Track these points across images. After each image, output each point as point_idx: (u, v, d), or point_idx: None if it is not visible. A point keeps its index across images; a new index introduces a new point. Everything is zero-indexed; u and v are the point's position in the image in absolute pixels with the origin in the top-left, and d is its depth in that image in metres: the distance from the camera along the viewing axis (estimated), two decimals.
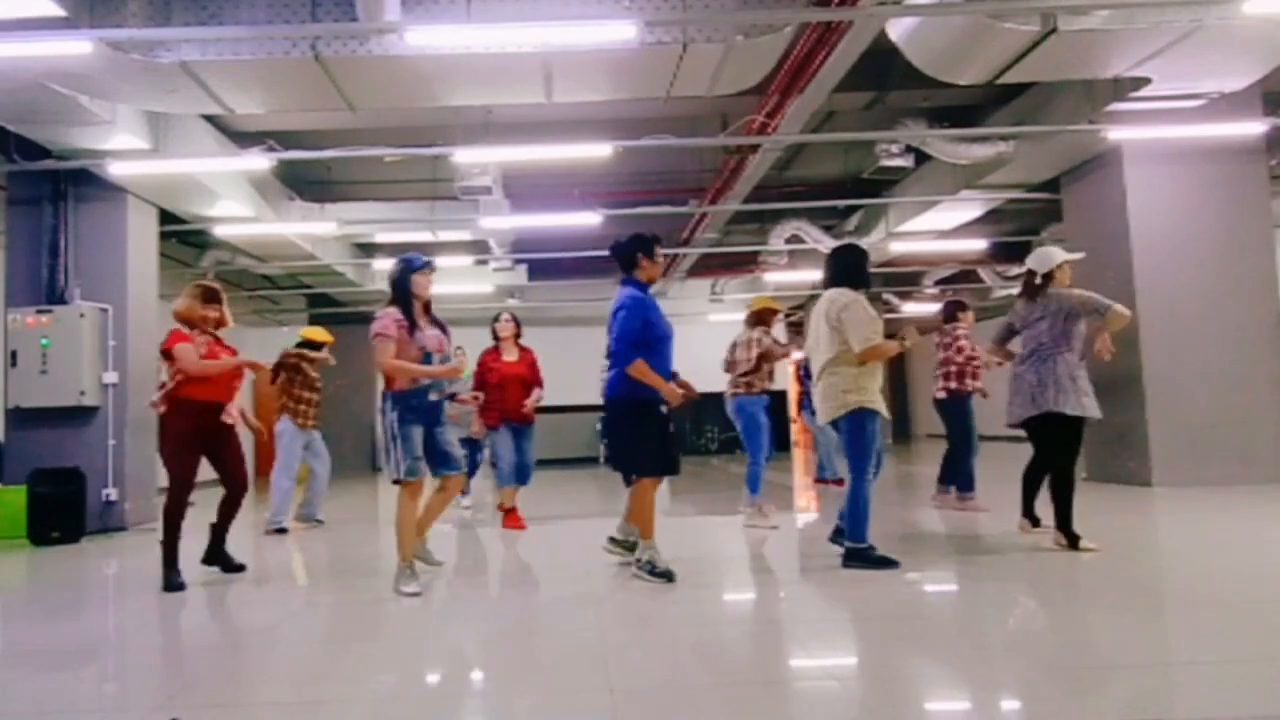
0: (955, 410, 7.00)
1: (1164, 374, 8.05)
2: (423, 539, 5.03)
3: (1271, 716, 2.41)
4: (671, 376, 4.63)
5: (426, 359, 4.52)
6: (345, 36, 5.68)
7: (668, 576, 4.49)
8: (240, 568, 5.26)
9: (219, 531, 5.27)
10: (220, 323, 5.17)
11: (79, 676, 3.25)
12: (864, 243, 12.53)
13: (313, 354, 7.41)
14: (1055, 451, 5.11)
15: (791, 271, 13.84)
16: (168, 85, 5.94)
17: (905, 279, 16.20)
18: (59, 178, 7.74)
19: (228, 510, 5.23)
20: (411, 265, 4.61)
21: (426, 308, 4.71)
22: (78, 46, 5.19)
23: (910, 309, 17.44)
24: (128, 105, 6.63)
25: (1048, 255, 5.28)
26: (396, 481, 4.47)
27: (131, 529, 7.77)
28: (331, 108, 6.51)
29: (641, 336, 4.49)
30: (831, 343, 4.73)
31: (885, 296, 17.57)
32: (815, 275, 14.11)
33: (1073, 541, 4.96)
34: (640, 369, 4.45)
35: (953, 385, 6.96)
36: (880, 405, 4.69)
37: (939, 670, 2.96)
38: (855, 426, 4.67)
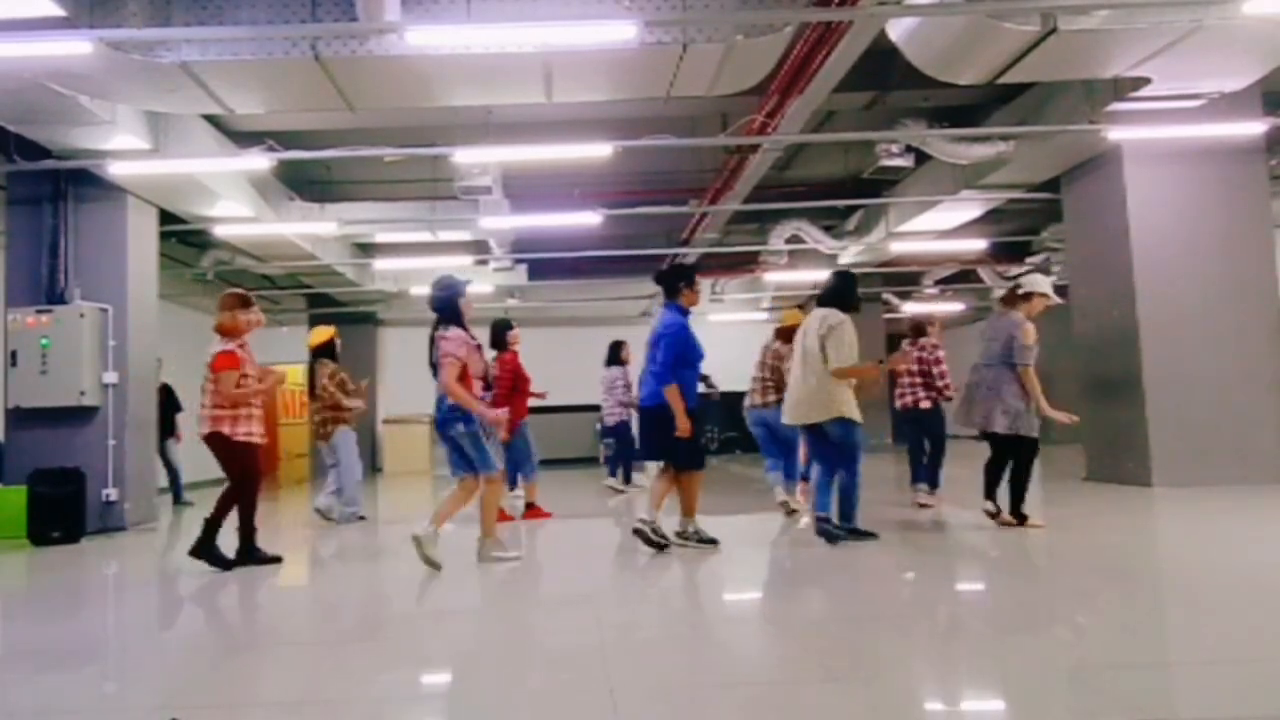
0: (936, 418, 7.22)
1: (1164, 374, 8.04)
2: (434, 535, 5.06)
3: (1272, 717, 2.41)
4: (702, 378, 5.48)
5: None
6: (345, 36, 5.67)
7: (713, 542, 5.34)
8: (277, 559, 5.52)
9: (248, 529, 5.48)
10: (258, 324, 5.54)
11: (79, 676, 3.25)
12: (864, 242, 12.59)
13: (335, 366, 7.74)
14: (1006, 453, 5.84)
15: (791, 271, 13.84)
16: (168, 85, 5.94)
17: (905, 279, 16.20)
18: (59, 178, 7.74)
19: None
20: (459, 289, 5.18)
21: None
22: (78, 46, 5.19)
23: (910, 309, 17.43)
24: (128, 105, 6.63)
25: (1036, 280, 5.95)
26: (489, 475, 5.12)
27: (131, 529, 7.77)
28: (331, 108, 6.50)
29: (682, 360, 5.15)
30: (819, 356, 5.33)
31: (885, 296, 17.58)
32: (815, 275, 14.13)
33: (1020, 520, 5.72)
34: (673, 394, 5.09)
35: (935, 396, 7.17)
36: (858, 414, 5.35)
37: (939, 669, 2.96)
38: (846, 431, 5.32)
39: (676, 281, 5.36)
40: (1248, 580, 4.11)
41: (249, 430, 5.32)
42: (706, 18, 5.61)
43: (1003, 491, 5.86)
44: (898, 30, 6.10)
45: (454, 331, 5.04)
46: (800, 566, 5.00)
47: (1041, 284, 5.89)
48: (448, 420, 5.05)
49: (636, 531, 5.31)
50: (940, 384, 7.15)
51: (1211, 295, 8.16)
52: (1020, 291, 5.90)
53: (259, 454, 5.48)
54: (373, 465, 16.06)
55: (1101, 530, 5.83)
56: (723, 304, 16.01)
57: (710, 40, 5.73)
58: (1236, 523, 5.93)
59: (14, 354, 7.49)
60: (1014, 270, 14.35)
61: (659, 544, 5.25)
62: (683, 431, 5.12)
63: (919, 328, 7.45)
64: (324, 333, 7.89)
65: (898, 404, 7.39)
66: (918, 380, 7.24)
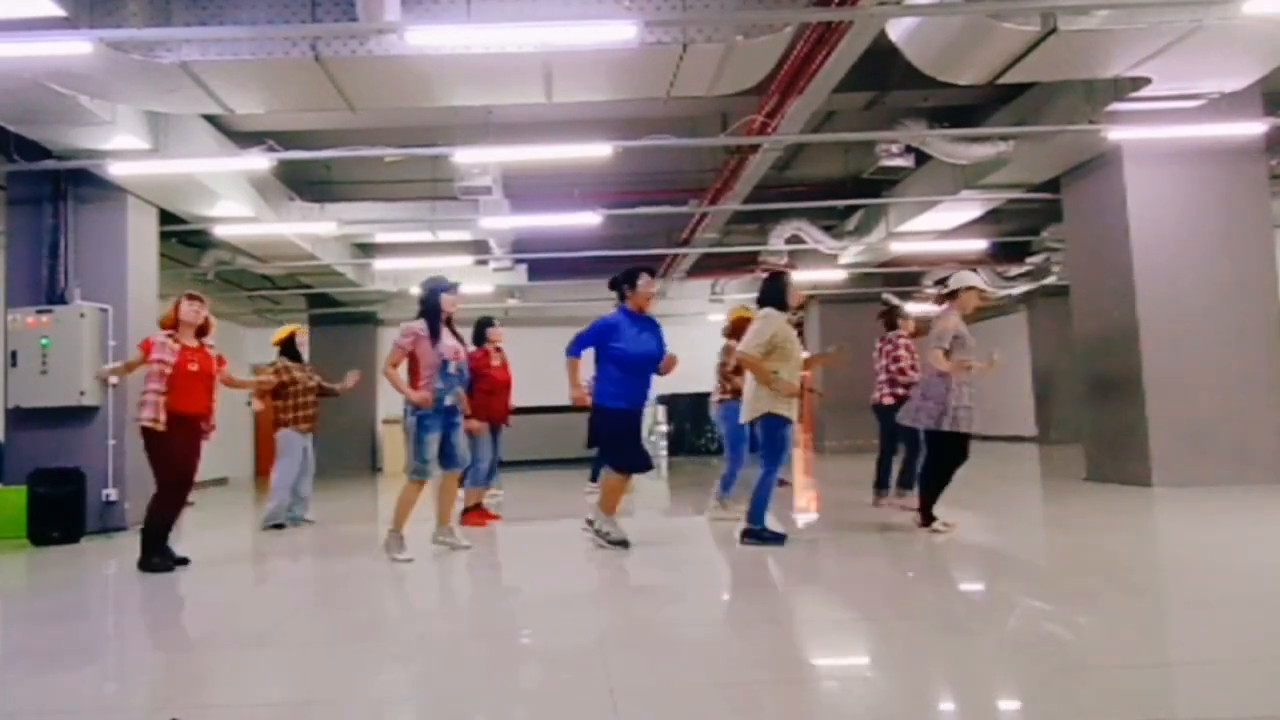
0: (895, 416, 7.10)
1: (1164, 374, 8.04)
2: (448, 526, 5.76)
3: (1271, 717, 2.41)
4: (663, 364, 5.52)
5: (444, 365, 5.34)
6: (345, 36, 5.67)
7: (623, 544, 5.41)
8: (184, 560, 5.45)
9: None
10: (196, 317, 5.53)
11: (79, 676, 3.25)
12: (864, 242, 12.58)
13: (294, 364, 7.44)
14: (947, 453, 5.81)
15: (791, 271, 13.82)
16: (168, 85, 5.94)
17: (905, 279, 16.19)
18: (59, 178, 7.73)
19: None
20: (440, 287, 5.50)
21: (448, 322, 5.54)
22: (78, 46, 5.19)
23: (910, 309, 17.43)
24: (128, 105, 6.63)
25: (964, 276, 5.94)
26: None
27: (131, 529, 7.76)
28: (331, 108, 6.50)
29: (592, 343, 5.42)
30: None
31: (885, 296, 17.56)
32: (815, 276, 14.13)
33: (928, 521, 5.71)
34: (569, 364, 5.42)
35: (899, 391, 6.97)
36: (789, 411, 5.38)
37: (939, 669, 2.96)
38: (768, 427, 5.40)
39: (621, 285, 5.60)
40: (1248, 580, 4.11)
41: (147, 415, 5.23)
42: (706, 18, 5.61)
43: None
44: (898, 30, 6.10)
45: (413, 323, 5.43)
46: (800, 567, 5.00)
47: (969, 278, 5.90)
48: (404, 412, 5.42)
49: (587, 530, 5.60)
50: (899, 379, 7.04)
51: (1211, 295, 8.15)
52: (946, 290, 5.92)
53: (160, 440, 5.25)
54: (372, 465, 16.06)
55: (1101, 530, 5.83)
56: (722, 304, 16.00)
57: (710, 40, 5.73)
58: (1236, 523, 5.93)
59: (14, 354, 7.49)
60: (1014, 270, 14.35)
61: (620, 542, 5.43)
62: (574, 399, 5.44)
63: (890, 320, 7.39)
64: (284, 330, 7.64)
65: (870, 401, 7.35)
66: (882, 377, 7.20)
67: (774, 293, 5.66)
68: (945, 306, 5.87)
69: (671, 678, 2.94)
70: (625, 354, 5.38)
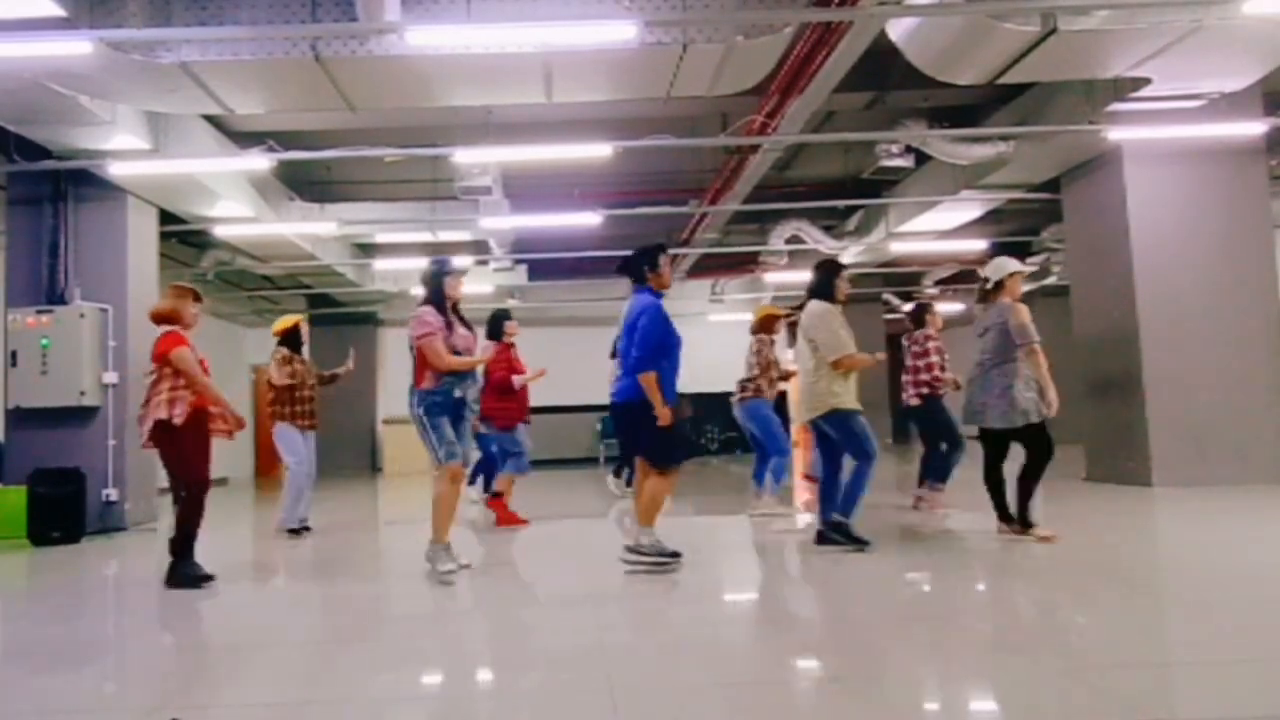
0: (928, 415, 6.92)
1: (1164, 374, 8.04)
2: (445, 542, 4.91)
3: (1271, 717, 2.41)
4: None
5: (459, 357, 4.83)
6: (345, 36, 5.68)
7: (675, 556, 4.76)
8: (209, 577, 4.94)
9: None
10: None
11: (79, 676, 3.25)
12: (864, 243, 12.57)
13: (293, 354, 6.96)
14: (1000, 456, 5.54)
15: (791, 271, 13.84)
16: (168, 85, 5.94)
17: (905, 279, 16.20)
18: (59, 178, 7.74)
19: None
20: (444, 268, 4.97)
21: (454, 307, 5.03)
22: (78, 46, 5.19)
23: (910, 309, 17.45)
24: (128, 105, 6.63)
25: (999, 264, 5.57)
26: (439, 466, 4.77)
27: (131, 529, 7.77)
28: (331, 108, 6.50)
29: (663, 343, 4.71)
30: (809, 351, 5.21)
31: (885, 296, 17.57)
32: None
33: (1026, 527, 5.32)
34: (649, 380, 4.65)
35: (925, 391, 6.85)
36: (854, 404, 5.13)
37: (938, 670, 2.96)
38: (843, 424, 5.10)
39: (640, 265, 4.94)
40: (1248, 580, 4.11)
41: (179, 412, 4.83)
42: (706, 18, 5.61)
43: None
44: (898, 30, 6.10)
45: (422, 310, 4.89)
46: (800, 567, 5.00)
47: (1010, 264, 5.56)
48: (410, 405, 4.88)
49: (631, 557, 4.81)
50: (925, 377, 6.84)
51: (1211, 295, 8.15)
52: (989, 286, 5.57)
53: (185, 438, 4.85)
54: (372, 465, 16.06)
55: (1101, 530, 5.83)
56: (723, 304, 16.02)
57: (710, 40, 5.73)
58: (1236, 523, 5.93)
59: (14, 354, 7.49)
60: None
61: (672, 554, 4.80)
62: (662, 416, 4.64)
63: (919, 318, 7.17)
64: (288, 320, 7.14)
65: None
66: (908, 377, 7.01)
67: (826, 283, 5.35)
68: (999, 301, 5.47)
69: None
70: (676, 340, 4.82)
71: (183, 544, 4.90)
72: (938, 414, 6.88)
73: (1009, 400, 5.25)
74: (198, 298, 5.23)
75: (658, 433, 4.69)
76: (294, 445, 6.87)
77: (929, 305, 7.27)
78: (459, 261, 5.18)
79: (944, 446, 6.90)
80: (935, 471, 6.92)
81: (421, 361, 4.83)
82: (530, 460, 7.27)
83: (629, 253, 5.03)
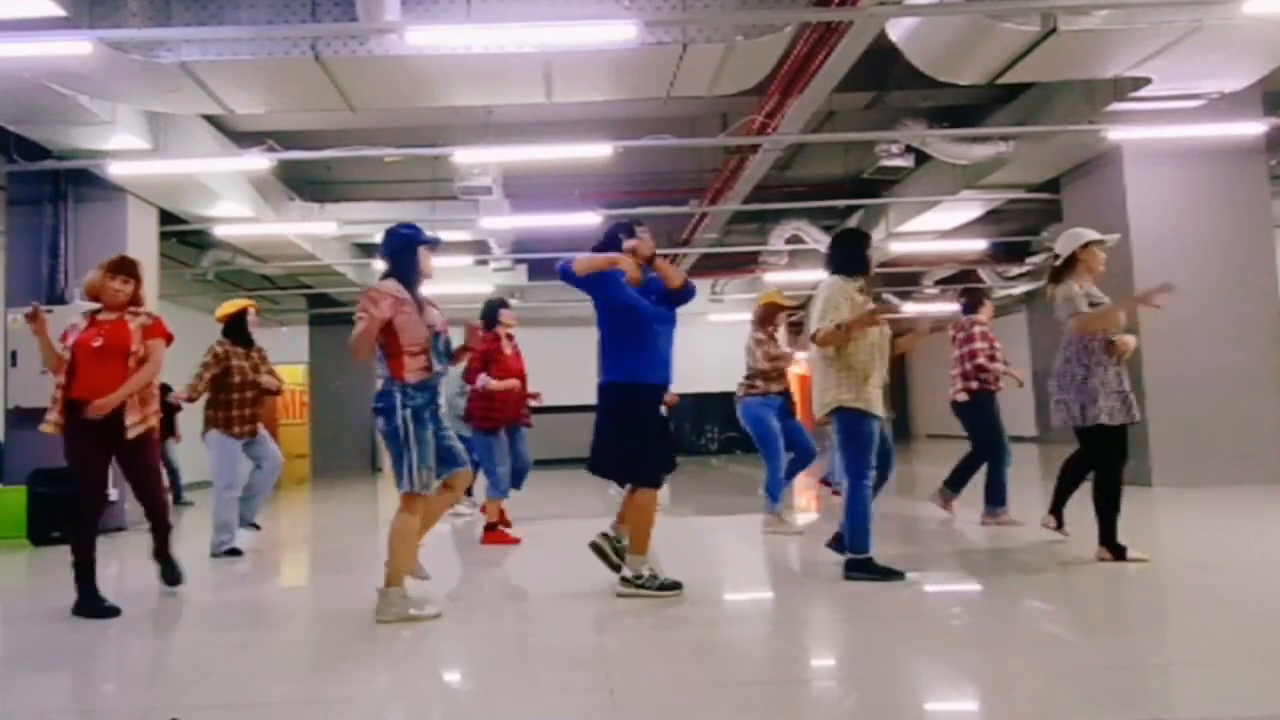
0: (976, 413, 6.11)
1: (1164, 374, 8.04)
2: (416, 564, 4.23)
3: (1272, 717, 2.41)
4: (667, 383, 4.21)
5: (435, 339, 3.96)
6: (345, 36, 5.67)
7: (676, 586, 4.09)
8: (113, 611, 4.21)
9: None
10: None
11: (78, 676, 3.25)
12: None
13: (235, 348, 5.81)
14: (1097, 458, 4.65)
15: (791, 271, 13.85)
16: (168, 85, 5.94)
17: (905, 279, 16.19)
18: (59, 178, 7.73)
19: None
20: (417, 237, 4.00)
21: None
22: (78, 46, 5.19)
23: (911, 309, 17.44)
24: (128, 105, 6.63)
25: (1071, 236, 4.68)
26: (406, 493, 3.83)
27: (131, 529, 7.76)
28: (331, 108, 6.51)
29: (607, 277, 4.12)
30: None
31: (885, 296, 17.56)
32: (815, 275, 14.11)
33: (1118, 554, 4.49)
34: (584, 263, 4.09)
35: (973, 385, 6.08)
36: (872, 404, 4.22)
37: (939, 671, 2.96)
38: (843, 427, 4.28)
39: (615, 237, 4.26)
40: (1248, 580, 4.11)
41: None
42: (706, 18, 5.61)
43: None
44: (898, 30, 6.10)
45: (384, 284, 3.97)
46: (801, 568, 5.00)
47: (1085, 234, 4.65)
48: (373, 412, 3.96)
49: (628, 590, 4.12)
50: (969, 366, 6.06)
51: (1211, 295, 8.14)
52: (1059, 263, 4.70)
53: (68, 446, 4.29)
54: (372, 465, 16.06)
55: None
56: (723, 304, 16.02)
57: (710, 40, 5.73)
58: (1236, 523, 5.93)
59: (14, 354, 7.49)
60: (1014, 270, 14.31)
61: (672, 585, 4.12)
62: (627, 266, 4.05)
63: (972, 302, 6.37)
64: (232, 304, 6.00)
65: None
66: (954, 370, 6.20)
67: (845, 256, 4.45)
68: (1064, 284, 4.70)
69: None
70: (644, 314, 4.14)
71: (75, 569, 4.22)
72: (983, 412, 6.09)
73: (1081, 397, 4.55)
74: (122, 270, 4.39)
75: (629, 445, 4.08)
76: (228, 461, 5.73)
77: (986, 290, 6.83)
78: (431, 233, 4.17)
79: (978, 452, 6.12)
80: (993, 495, 6.01)
81: (392, 347, 3.96)
82: (530, 464, 6.66)
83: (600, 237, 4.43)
